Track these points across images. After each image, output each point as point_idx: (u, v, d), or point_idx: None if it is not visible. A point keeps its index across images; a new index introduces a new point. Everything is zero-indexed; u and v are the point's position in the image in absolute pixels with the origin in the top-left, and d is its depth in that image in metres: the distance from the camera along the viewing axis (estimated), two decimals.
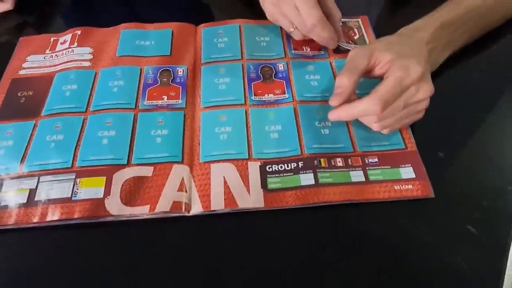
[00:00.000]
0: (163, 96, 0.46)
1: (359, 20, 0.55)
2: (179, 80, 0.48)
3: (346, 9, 0.51)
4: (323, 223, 0.38)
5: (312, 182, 0.39)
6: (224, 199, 0.38)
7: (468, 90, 0.49)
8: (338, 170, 0.40)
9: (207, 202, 0.38)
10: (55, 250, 0.37)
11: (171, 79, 0.48)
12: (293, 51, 0.51)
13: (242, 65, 0.49)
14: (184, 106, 0.45)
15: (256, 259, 0.36)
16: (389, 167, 0.40)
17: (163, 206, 0.37)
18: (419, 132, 0.43)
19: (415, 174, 0.40)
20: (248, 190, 0.39)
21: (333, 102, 0.40)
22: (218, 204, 0.38)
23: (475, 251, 0.36)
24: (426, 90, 0.39)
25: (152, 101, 0.46)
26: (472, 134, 0.45)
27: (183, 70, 0.49)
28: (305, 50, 0.51)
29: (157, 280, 0.35)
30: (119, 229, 0.38)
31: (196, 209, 0.38)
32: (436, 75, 0.49)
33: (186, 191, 0.39)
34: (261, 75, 0.48)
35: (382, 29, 0.52)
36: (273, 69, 0.49)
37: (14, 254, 0.37)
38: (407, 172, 0.40)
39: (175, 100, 0.46)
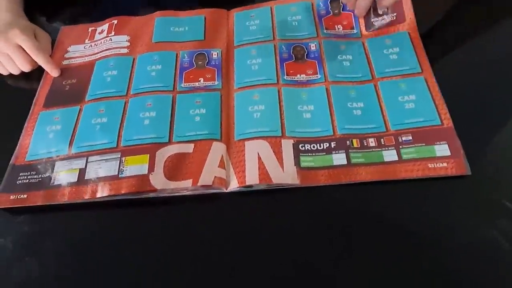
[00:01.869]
0: (200, 78, 0.48)
1: None
2: (214, 63, 0.49)
3: None
4: (357, 202, 0.38)
5: (345, 162, 0.40)
6: (259, 174, 0.39)
7: (507, 67, 0.47)
8: (371, 150, 0.40)
9: (242, 177, 0.39)
10: (100, 227, 0.39)
11: (206, 62, 0.49)
12: (325, 31, 0.51)
13: (274, 45, 0.50)
14: (220, 87, 0.47)
15: (289, 237, 0.37)
16: (423, 144, 0.40)
17: (205, 180, 0.39)
18: (457, 108, 0.42)
19: (450, 152, 0.39)
20: (282, 166, 0.39)
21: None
22: (253, 179, 0.39)
23: None
24: None
25: (189, 83, 0.47)
26: (510, 111, 0.44)
27: (217, 53, 0.50)
28: (337, 29, 0.51)
29: (193, 254, 0.36)
30: (161, 205, 0.40)
31: (233, 185, 0.39)
32: (474, 51, 0.48)
33: (225, 168, 0.40)
34: (293, 55, 0.49)
35: None
36: (305, 49, 0.49)
37: (67, 228, 0.39)
38: (442, 149, 0.39)
39: (211, 82, 0.47)
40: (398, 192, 0.38)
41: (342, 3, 0.52)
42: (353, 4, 0.48)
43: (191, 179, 0.39)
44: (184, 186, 0.39)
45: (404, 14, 0.50)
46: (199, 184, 0.39)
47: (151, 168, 0.40)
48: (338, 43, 0.50)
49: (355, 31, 0.51)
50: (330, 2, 0.53)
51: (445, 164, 0.38)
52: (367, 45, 0.49)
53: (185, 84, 0.47)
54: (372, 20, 0.50)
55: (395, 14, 0.50)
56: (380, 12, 0.50)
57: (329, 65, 0.47)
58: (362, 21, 0.51)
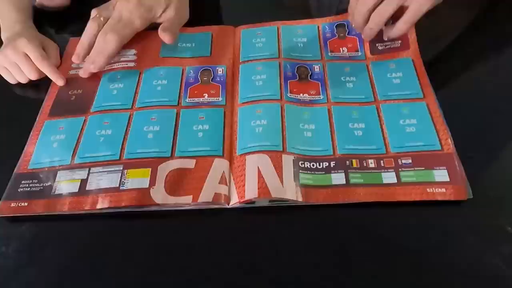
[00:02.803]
0: (204, 94, 0.48)
1: None
2: (219, 79, 0.50)
3: None
4: (357, 223, 0.38)
5: (344, 182, 0.40)
6: (258, 188, 0.39)
7: (510, 92, 0.48)
8: (370, 171, 0.41)
9: (241, 192, 0.39)
10: (101, 238, 0.39)
11: (211, 78, 0.50)
12: (329, 53, 0.52)
13: (279, 63, 0.51)
14: (224, 104, 0.47)
15: (288, 254, 0.37)
16: (423, 168, 0.40)
17: (205, 196, 0.39)
18: (459, 132, 0.42)
19: (450, 178, 0.39)
20: (282, 181, 0.40)
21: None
22: (252, 194, 0.39)
23: None
24: None
25: (193, 99, 0.48)
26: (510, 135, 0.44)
27: (222, 69, 0.51)
28: (342, 51, 0.52)
29: (192, 268, 0.36)
30: (161, 219, 0.40)
31: (234, 200, 0.39)
32: (477, 76, 0.49)
33: (226, 184, 0.40)
34: (297, 74, 0.50)
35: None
36: (309, 70, 0.50)
37: (65, 239, 0.39)
38: (441, 175, 0.39)
39: (215, 98, 0.48)
40: (398, 214, 0.39)
41: (348, 27, 0.53)
42: (362, 28, 0.49)
43: (192, 195, 0.39)
44: (184, 202, 0.39)
45: (409, 42, 0.51)
46: (199, 201, 0.39)
47: (152, 182, 0.40)
48: (342, 64, 0.51)
49: (359, 53, 0.52)
50: (336, 27, 0.54)
51: (443, 190, 0.38)
52: (371, 67, 0.50)
53: (190, 99, 0.48)
54: (377, 44, 0.51)
55: (399, 41, 0.51)
56: (385, 38, 0.51)
57: (332, 87, 0.48)
58: (367, 45, 0.52)
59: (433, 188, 0.39)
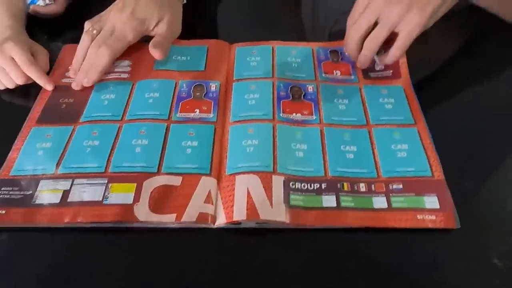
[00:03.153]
0: (196, 109, 0.48)
1: None
2: (211, 95, 0.49)
3: None
4: (343, 248, 0.38)
5: (334, 204, 0.39)
6: (247, 209, 0.38)
7: (500, 120, 0.48)
8: (361, 195, 0.40)
9: (230, 213, 0.39)
10: (82, 251, 0.38)
11: (204, 93, 0.50)
12: (323, 75, 0.52)
13: (273, 83, 0.50)
14: (215, 120, 0.47)
15: (273, 278, 0.36)
16: (413, 194, 0.40)
17: (189, 216, 0.38)
18: (448, 161, 0.43)
19: (440, 205, 0.39)
20: (271, 203, 0.39)
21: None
22: (240, 215, 0.38)
23: (501, 286, 0.35)
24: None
25: (184, 114, 0.47)
26: (501, 166, 0.44)
27: (215, 85, 0.50)
28: (335, 74, 0.52)
29: None
30: (144, 236, 0.39)
31: (220, 220, 0.39)
32: (466, 104, 0.50)
33: (212, 203, 0.40)
34: (290, 94, 0.49)
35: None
36: (303, 90, 0.50)
37: (43, 251, 0.38)
38: (431, 201, 0.39)
39: (206, 114, 0.47)
40: (386, 239, 0.38)
41: (342, 54, 0.54)
42: (356, 57, 0.50)
43: (176, 214, 0.38)
44: (167, 220, 0.38)
45: (400, 71, 0.52)
46: (182, 220, 0.38)
47: (136, 198, 0.40)
48: (336, 87, 0.51)
49: (352, 77, 0.52)
50: (329, 52, 0.55)
51: (433, 217, 0.38)
52: (364, 91, 0.50)
53: (181, 114, 0.47)
54: (369, 73, 0.52)
55: (391, 70, 0.52)
56: (377, 68, 0.52)
57: (325, 108, 0.48)
58: (359, 71, 0.52)
59: (423, 215, 0.39)
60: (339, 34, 0.54)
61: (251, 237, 0.39)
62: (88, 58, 0.50)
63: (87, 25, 0.52)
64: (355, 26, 0.47)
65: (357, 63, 0.50)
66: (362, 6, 0.47)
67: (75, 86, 0.51)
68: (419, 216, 0.38)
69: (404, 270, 0.36)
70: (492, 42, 0.57)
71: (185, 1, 0.63)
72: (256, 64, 0.53)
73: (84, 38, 0.51)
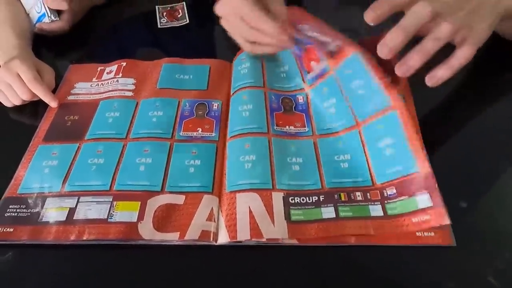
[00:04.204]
0: (198, 128, 0.49)
1: None
2: (213, 114, 0.51)
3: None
4: (342, 263, 0.39)
5: (333, 215, 0.40)
6: (250, 229, 0.39)
7: (493, 138, 0.49)
8: (358, 204, 0.41)
9: (233, 232, 0.39)
10: (87, 267, 0.39)
11: (206, 112, 0.51)
12: (308, 77, 0.51)
13: (265, 93, 0.51)
14: (217, 139, 0.48)
15: None
16: (406, 197, 0.40)
17: (192, 234, 0.39)
18: (443, 179, 0.42)
19: (432, 202, 0.39)
20: (273, 221, 0.40)
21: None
22: (244, 235, 0.39)
23: None
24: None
25: (187, 133, 0.49)
26: (496, 184, 0.45)
27: (217, 104, 0.52)
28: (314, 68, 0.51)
29: None
30: (149, 252, 0.40)
31: (223, 238, 0.40)
32: (462, 123, 0.50)
33: (214, 221, 0.41)
34: (282, 106, 0.50)
35: None
36: (293, 101, 0.51)
37: (49, 269, 0.39)
38: (423, 200, 0.39)
39: (208, 133, 0.49)
40: (381, 256, 0.39)
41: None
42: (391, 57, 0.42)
43: (178, 233, 0.39)
44: (171, 238, 0.39)
45: (399, 78, 0.48)
46: (185, 238, 0.39)
47: (140, 217, 0.41)
48: (322, 86, 0.49)
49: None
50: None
51: (428, 217, 0.39)
52: (344, 89, 0.48)
53: (184, 133, 0.49)
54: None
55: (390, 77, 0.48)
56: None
57: (316, 117, 0.49)
58: None
59: (418, 217, 0.39)
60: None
61: (252, 252, 0.40)
62: None
63: None
64: (404, 26, 0.40)
65: (397, 70, 0.42)
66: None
67: None
68: (414, 219, 0.39)
69: (397, 285, 0.37)
70: (490, 55, 0.56)
71: (187, 21, 0.65)
72: (246, 72, 0.53)
73: None
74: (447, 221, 0.38)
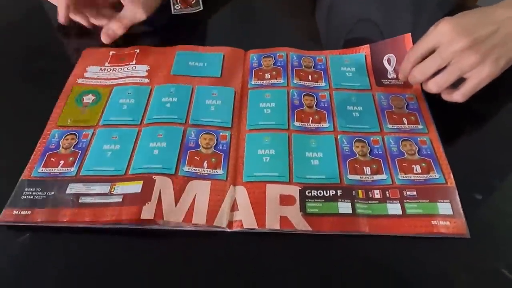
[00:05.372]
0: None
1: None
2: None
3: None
4: (356, 253, 0.39)
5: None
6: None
7: (510, 132, 0.49)
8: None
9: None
10: (100, 250, 0.40)
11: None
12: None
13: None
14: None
15: (286, 281, 0.37)
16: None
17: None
18: (458, 172, 0.43)
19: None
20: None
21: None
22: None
23: None
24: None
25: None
26: (511, 176, 0.45)
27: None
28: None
29: None
30: (163, 237, 0.40)
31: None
32: (478, 113, 0.50)
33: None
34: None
35: None
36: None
37: (65, 251, 0.39)
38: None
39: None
40: (397, 246, 0.39)
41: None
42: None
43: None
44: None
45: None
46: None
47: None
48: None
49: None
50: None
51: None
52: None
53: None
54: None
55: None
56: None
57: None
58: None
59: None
60: (354, 42, 0.55)
61: (265, 240, 0.40)
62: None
63: None
64: (422, 69, 0.46)
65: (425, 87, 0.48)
66: (431, 43, 0.45)
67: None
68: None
69: (412, 278, 0.37)
70: None
71: (201, 7, 0.64)
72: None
73: None
74: (466, 232, 0.39)
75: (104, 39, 0.57)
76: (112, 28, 0.56)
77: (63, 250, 0.40)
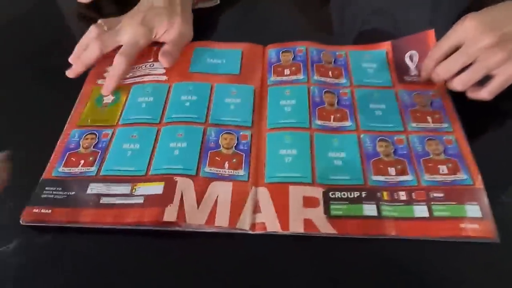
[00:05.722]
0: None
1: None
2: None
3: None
4: (381, 256, 0.38)
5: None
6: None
7: None
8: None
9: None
10: (121, 251, 0.39)
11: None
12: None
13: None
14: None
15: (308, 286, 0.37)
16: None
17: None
18: (486, 172, 0.42)
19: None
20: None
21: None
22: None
23: None
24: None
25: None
26: None
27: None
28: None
29: None
30: (183, 238, 0.40)
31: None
32: (503, 111, 0.49)
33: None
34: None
35: None
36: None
37: (86, 251, 0.39)
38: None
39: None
40: (424, 252, 0.38)
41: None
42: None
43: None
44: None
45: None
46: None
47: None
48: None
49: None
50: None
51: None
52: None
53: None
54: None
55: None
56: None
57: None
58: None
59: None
60: (369, 34, 0.54)
61: (288, 243, 0.39)
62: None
63: (99, 21, 0.53)
64: (446, 67, 0.45)
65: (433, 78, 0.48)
66: (456, 40, 0.44)
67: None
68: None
69: (439, 283, 0.37)
70: None
71: (218, 1, 0.63)
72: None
73: (92, 29, 0.52)
74: (495, 236, 0.38)
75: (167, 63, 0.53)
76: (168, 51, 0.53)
77: (82, 250, 0.39)
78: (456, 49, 0.45)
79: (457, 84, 0.45)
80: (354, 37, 0.58)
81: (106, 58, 0.54)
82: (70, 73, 0.52)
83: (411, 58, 0.52)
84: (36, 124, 0.50)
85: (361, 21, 0.61)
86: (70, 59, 0.52)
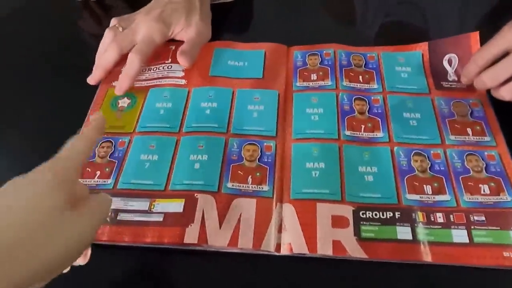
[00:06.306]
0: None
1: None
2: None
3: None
4: (416, 284, 0.36)
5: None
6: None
7: None
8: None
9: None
10: (138, 269, 0.38)
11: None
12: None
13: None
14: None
15: None
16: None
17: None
18: None
19: None
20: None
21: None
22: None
23: None
24: None
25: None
26: None
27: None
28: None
29: None
30: (205, 257, 0.38)
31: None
32: None
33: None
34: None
35: None
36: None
37: (104, 268, 0.37)
38: None
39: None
40: (463, 275, 0.36)
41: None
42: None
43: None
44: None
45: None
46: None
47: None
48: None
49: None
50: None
51: None
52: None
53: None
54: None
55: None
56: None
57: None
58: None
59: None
60: (393, 25, 0.50)
61: (315, 266, 0.37)
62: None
63: (113, 21, 0.51)
64: (493, 74, 0.42)
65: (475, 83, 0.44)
66: (504, 45, 0.41)
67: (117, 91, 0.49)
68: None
69: None
70: None
71: None
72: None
73: (107, 34, 0.50)
74: None
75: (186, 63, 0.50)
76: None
77: (98, 266, 0.37)
78: (503, 55, 0.41)
79: (506, 94, 0.41)
80: (377, 30, 0.54)
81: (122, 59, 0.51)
82: (91, 80, 0.50)
83: (449, 62, 0.48)
84: (51, 128, 0.48)
85: (386, 11, 0.58)
86: (95, 68, 0.50)
